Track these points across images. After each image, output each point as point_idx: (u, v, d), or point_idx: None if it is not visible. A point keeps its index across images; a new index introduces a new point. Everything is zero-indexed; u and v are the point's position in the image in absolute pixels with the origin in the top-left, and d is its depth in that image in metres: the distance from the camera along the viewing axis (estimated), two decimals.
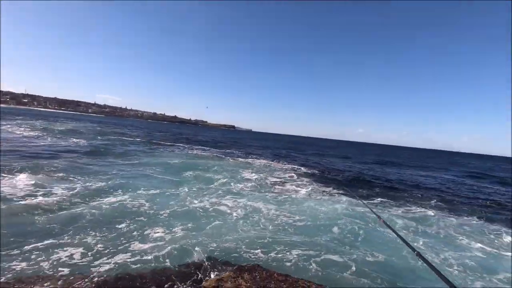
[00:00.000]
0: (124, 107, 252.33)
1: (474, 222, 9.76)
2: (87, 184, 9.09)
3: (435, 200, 12.72)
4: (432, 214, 10.19)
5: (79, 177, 9.80)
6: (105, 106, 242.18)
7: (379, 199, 11.93)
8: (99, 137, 26.05)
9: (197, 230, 6.48)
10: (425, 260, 2.01)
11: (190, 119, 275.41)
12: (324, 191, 12.41)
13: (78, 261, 4.66)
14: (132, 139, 28.90)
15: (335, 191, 12.63)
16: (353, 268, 5.30)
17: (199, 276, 4.56)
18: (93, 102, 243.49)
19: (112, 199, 7.92)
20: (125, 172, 11.74)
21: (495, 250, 7.13)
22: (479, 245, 7.30)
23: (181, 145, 28.61)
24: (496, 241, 7.92)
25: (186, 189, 10.10)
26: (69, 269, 4.40)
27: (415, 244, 6.84)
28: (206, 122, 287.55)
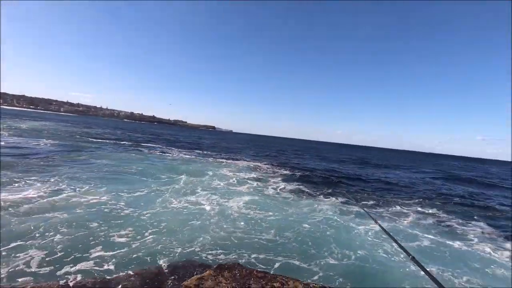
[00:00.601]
0: (99, 106, 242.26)
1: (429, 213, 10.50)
2: (57, 186, 8.76)
3: (416, 200, 13.50)
4: (406, 211, 10.85)
5: (46, 178, 9.43)
6: (78, 105, 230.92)
7: (351, 197, 12.45)
8: (68, 137, 25.03)
9: (177, 229, 6.51)
10: (419, 265, 2.02)
11: (169, 119, 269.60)
12: (300, 191, 12.79)
13: (37, 270, 4.43)
14: (106, 140, 27.96)
15: (309, 190, 13.04)
16: (323, 266, 5.53)
17: (180, 275, 4.61)
18: (65, 100, 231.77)
19: (87, 200, 7.73)
20: (99, 173, 11.42)
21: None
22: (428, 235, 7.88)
23: (160, 146, 28.10)
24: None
25: (166, 190, 10.07)
26: (27, 278, 4.19)
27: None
28: (185, 122, 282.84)
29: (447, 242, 7.76)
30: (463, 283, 5.48)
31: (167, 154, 21.78)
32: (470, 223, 10.12)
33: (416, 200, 13.48)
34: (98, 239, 5.60)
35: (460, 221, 10.32)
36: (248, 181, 13.81)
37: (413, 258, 2.16)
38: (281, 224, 7.73)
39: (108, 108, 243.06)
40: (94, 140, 25.56)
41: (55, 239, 5.35)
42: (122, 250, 5.28)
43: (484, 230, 9.39)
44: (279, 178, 15.81)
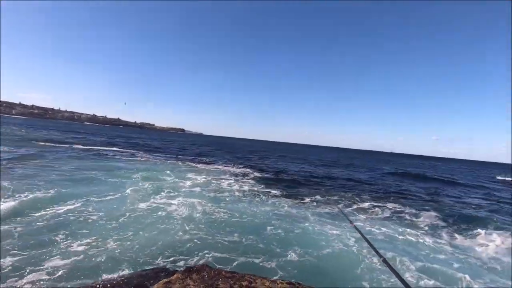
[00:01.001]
0: (58, 108, 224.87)
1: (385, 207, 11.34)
2: (16, 193, 8.10)
3: (368, 196, 14.36)
4: (366, 206, 11.55)
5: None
6: (33, 107, 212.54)
7: (317, 197, 12.96)
8: (22, 141, 23.12)
9: (142, 234, 6.34)
10: (390, 267, 2.02)
11: (135, 122, 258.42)
12: (268, 191, 13.03)
13: None
14: (66, 144, 26.20)
15: (275, 191, 13.29)
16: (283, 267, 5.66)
17: (145, 281, 4.52)
18: (17, 102, 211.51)
19: (47, 207, 7.24)
20: (61, 179, 10.72)
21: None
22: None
23: (126, 150, 26.91)
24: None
25: (132, 194, 9.75)
26: None
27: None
28: (153, 125, 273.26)
29: (400, 231, 8.54)
30: (413, 268, 5.98)
31: (134, 157, 20.98)
32: (421, 214, 11.09)
33: (374, 195, 14.57)
34: (55, 249, 5.29)
35: (414, 211, 11.41)
36: (216, 183, 13.78)
37: (384, 260, 2.19)
38: (246, 224, 7.81)
39: (67, 110, 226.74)
40: (53, 144, 23.80)
41: (10, 251, 4.98)
42: (77, 258, 5.04)
43: (432, 220, 10.38)
44: (247, 180, 15.97)
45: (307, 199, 12.12)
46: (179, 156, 26.52)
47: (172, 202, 9.28)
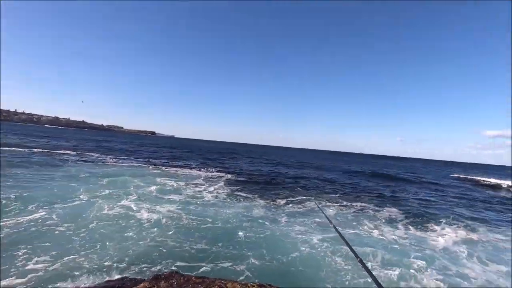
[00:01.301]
0: (14, 109, 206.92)
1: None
2: None
3: (338, 194, 14.97)
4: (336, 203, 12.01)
5: None
6: None
7: (289, 198, 13.28)
8: None
9: (108, 242, 6.11)
10: (365, 268, 2.02)
11: (102, 125, 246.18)
12: (239, 194, 13.04)
13: None
14: (25, 149, 24.29)
15: (247, 194, 13.39)
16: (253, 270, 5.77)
17: None
18: None
19: (8, 217, 6.70)
20: (22, 185, 9.94)
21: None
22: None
23: (92, 153, 25.53)
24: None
25: (99, 200, 9.32)
26: None
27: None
28: (122, 128, 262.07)
29: (364, 226, 9.17)
30: (378, 259, 6.36)
31: (101, 162, 19.98)
32: (382, 210, 11.99)
33: (341, 194, 15.41)
34: (12, 266, 4.93)
35: (376, 208, 12.33)
36: (187, 187, 13.58)
37: (360, 261, 2.19)
38: (217, 229, 7.78)
39: (25, 112, 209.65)
40: (9, 149, 21.91)
41: None
42: (37, 275, 4.74)
43: (392, 215, 11.24)
44: (220, 182, 15.91)
45: (279, 200, 12.38)
46: (149, 160, 25.69)
47: (141, 208, 8.99)
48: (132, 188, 11.98)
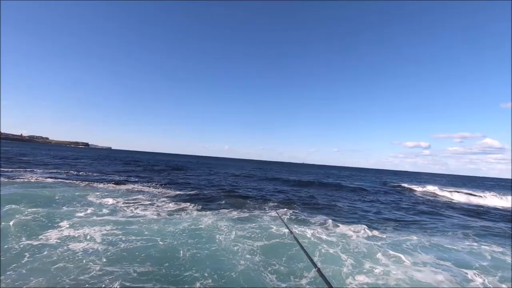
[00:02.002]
0: None
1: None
2: None
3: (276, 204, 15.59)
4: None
5: None
6: None
7: (234, 210, 13.37)
8: None
9: (33, 279, 5.29)
10: (324, 278, 2.02)
11: (21, 135, 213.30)
12: (181, 210, 12.62)
13: None
14: None
15: (194, 208, 13.10)
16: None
17: None
18: None
19: None
20: None
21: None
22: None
23: (7, 169, 21.84)
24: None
25: (15, 227, 7.94)
26: None
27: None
28: (47, 138, 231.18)
29: (301, 230, 9.90)
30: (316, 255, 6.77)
31: (16, 178, 17.18)
32: (315, 215, 13.30)
33: (276, 203, 16.28)
34: None
35: (311, 213, 13.82)
36: (127, 204, 12.62)
37: (318, 270, 2.20)
38: (161, 249, 7.36)
39: None
40: None
41: None
42: None
43: (323, 219, 12.25)
44: (165, 198, 15.18)
45: (226, 212, 12.43)
46: (81, 174, 23.11)
47: (72, 233, 7.96)
48: (58, 210, 10.57)
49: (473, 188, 39.52)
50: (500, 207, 22.63)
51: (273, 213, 12.83)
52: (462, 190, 30.81)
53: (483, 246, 9.85)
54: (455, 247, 9.45)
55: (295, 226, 10.69)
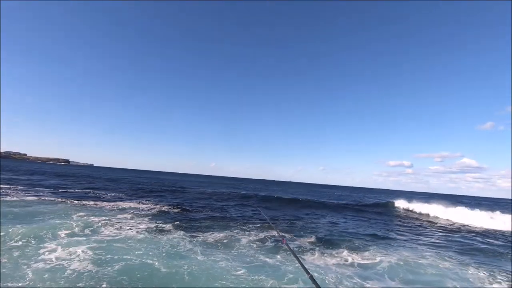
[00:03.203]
0: None
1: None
2: None
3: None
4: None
5: None
6: None
7: (216, 231, 13.59)
8: None
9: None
10: (316, 284, 2.04)
11: None
12: (162, 229, 12.61)
13: None
14: None
15: (173, 228, 13.08)
16: None
17: None
18: None
19: None
20: None
21: None
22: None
23: None
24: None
25: None
26: None
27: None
28: (25, 155, 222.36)
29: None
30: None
31: None
32: (301, 236, 13.34)
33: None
34: None
35: (298, 234, 13.49)
36: (109, 223, 12.62)
37: (311, 277, 2.20)
38: (141, 270, 7.33)
39: None
40: None
41: None
42: None
43: (307, 240, 12.56)
44: (144, 217, 15.19)
45: (208, 234, 12.53)
46: (61, 192, 22.64)
47: (48, 256, 7.90)
48: (38, 228, 10.50)
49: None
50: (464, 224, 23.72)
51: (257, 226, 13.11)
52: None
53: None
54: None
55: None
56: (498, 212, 26.29)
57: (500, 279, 8.88)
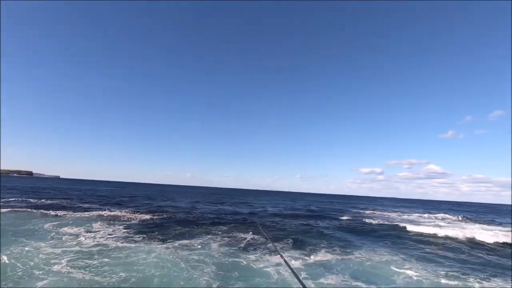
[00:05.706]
0: None
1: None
2: None
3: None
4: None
5: None
6: None
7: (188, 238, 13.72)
8: None
9: None
10: None
11: None
12: (134, 239, 12.16)
13: None
14: None
15: (148, 238, 12.66)
16: None
17: None
18: None
19: None
20: None
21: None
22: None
23: None
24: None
25: None
26: None
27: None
28: None
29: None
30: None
31: None
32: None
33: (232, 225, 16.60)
34: None
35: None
36: (83, 234, 12.33)
37: None
38: (121, 280, 7.21)
39: None
40: None
41: None
42: None
43: (286, 244, 13.08)
44: (122, 225, 15.01)
45: (184, 241, 12.48)
46: (29, 201, 21.42)
47: (17, 263, 7.76)
48: (11, 240, 10.14)
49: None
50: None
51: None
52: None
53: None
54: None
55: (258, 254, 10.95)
56: None
57: None
